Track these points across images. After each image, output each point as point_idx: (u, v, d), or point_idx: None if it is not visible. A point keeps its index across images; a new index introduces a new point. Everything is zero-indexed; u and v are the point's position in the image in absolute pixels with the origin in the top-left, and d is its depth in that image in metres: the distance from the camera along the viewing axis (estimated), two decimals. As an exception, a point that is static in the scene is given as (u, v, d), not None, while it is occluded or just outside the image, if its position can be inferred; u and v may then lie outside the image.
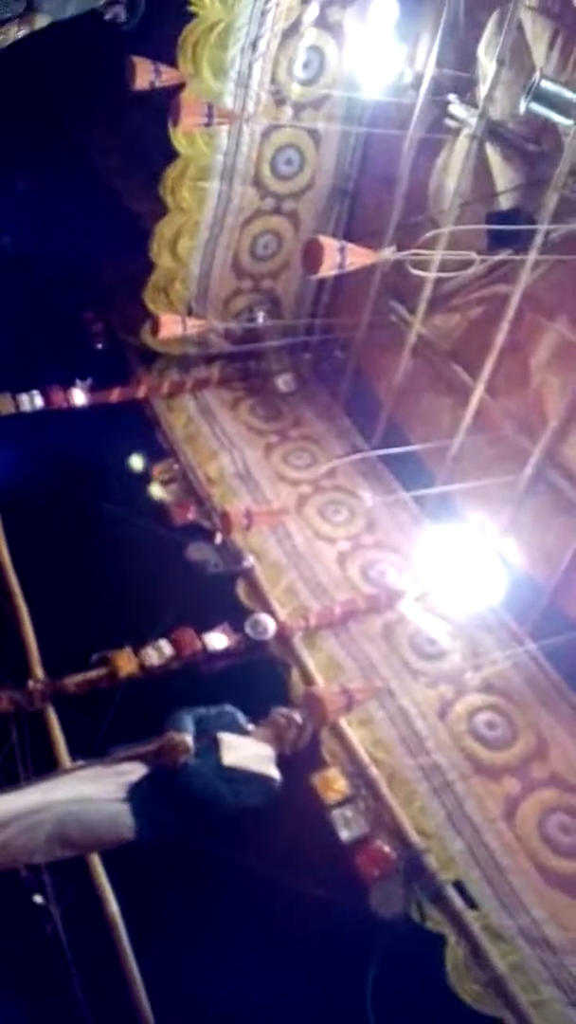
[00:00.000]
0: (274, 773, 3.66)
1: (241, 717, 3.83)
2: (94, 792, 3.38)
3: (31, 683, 4.35)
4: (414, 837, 3.90)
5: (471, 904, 3.71)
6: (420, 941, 3.61)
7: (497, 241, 4.76)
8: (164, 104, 5.11)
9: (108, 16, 5.28)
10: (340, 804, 4.05)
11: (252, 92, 5.35)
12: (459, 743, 4.31)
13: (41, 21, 5.01)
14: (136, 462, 5.88)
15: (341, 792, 4.09)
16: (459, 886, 3.76)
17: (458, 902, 3.71)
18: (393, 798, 4.05)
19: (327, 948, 3.69)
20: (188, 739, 3.51)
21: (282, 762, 3.75)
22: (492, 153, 4.98)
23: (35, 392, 5.81)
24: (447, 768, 4.19)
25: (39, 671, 4.42)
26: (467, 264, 4.60)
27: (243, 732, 3.77)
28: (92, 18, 5.60)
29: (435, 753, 4.25)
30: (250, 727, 3.81)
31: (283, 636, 4.69)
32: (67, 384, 5.90)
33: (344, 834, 3.95)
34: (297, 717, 3.89)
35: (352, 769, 4.17)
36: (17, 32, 4.95)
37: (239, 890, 3.91)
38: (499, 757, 4.27)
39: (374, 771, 4.14)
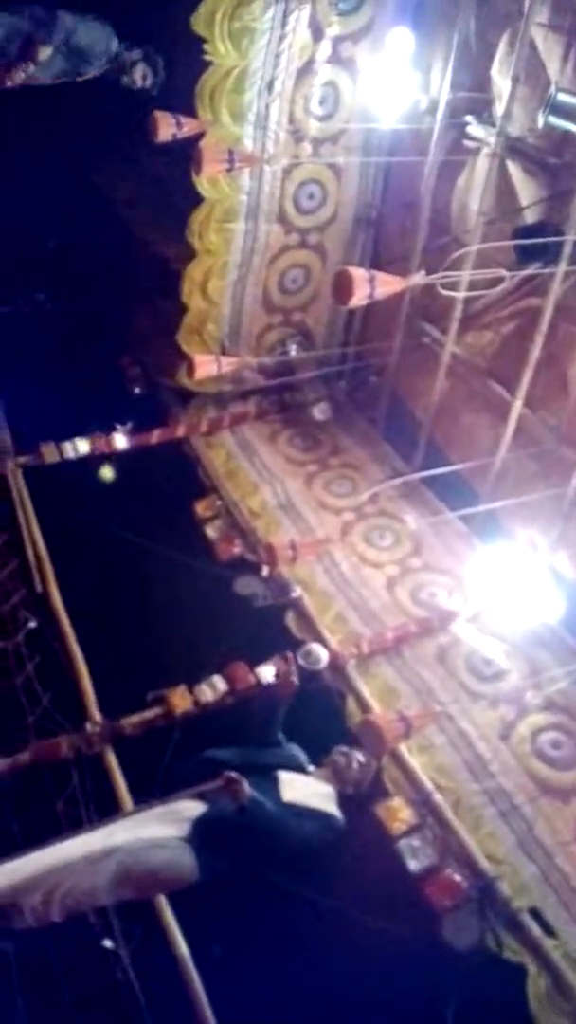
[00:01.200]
0: (335, 812, 3.60)
1: (302, 756, 3.78)
2: (155, 833, 3.36)
3: (89, 726, 4.37)
4: (484, 864, 3.80)
5: (549, 931, 3.58)
6: (499, 972, 3.49)
7: (525, 256, 4.75)
8: (186, 151, 5.26)
9: (127, 81, 5.46)
10: (406, 834, 3.97)
11: (271, 132, 5.47)
12: (524, 764, 4.20)
13: (44, 52, 5.18)
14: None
15: (406, 822, 4.01)
16: (535, 913, 3.64)
17: (536, 930, 3.58)
18: (460, 825, 3.96)
19: (403, 983, 3.59)
20: (245, 784, 3.47)
21: (345, 799, 3.70)
22: (514, 169, 4.99)
23: (78, 439, 5.93)
24: (513, 791, 4.09)
25: (96, 714, 4.45)
26: (497, 281, 4.61)
27: (303, 771, 3.72)
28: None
29: (500, 776, 4.15)
30: (310, 768, 3.76)
31: (336, 665, 4.65)
32: (108, 429, 6.00)
33: (413, 864, 3.86)
34: (359, 755, 3.81)
35: (416, 797, 4.09)
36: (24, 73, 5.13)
37: (309, 927, 3.84)
38: (566, 777, 4.15)
39: (438, 798, 4.05)
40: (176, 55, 5.60)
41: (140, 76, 5.52)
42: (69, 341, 6.82)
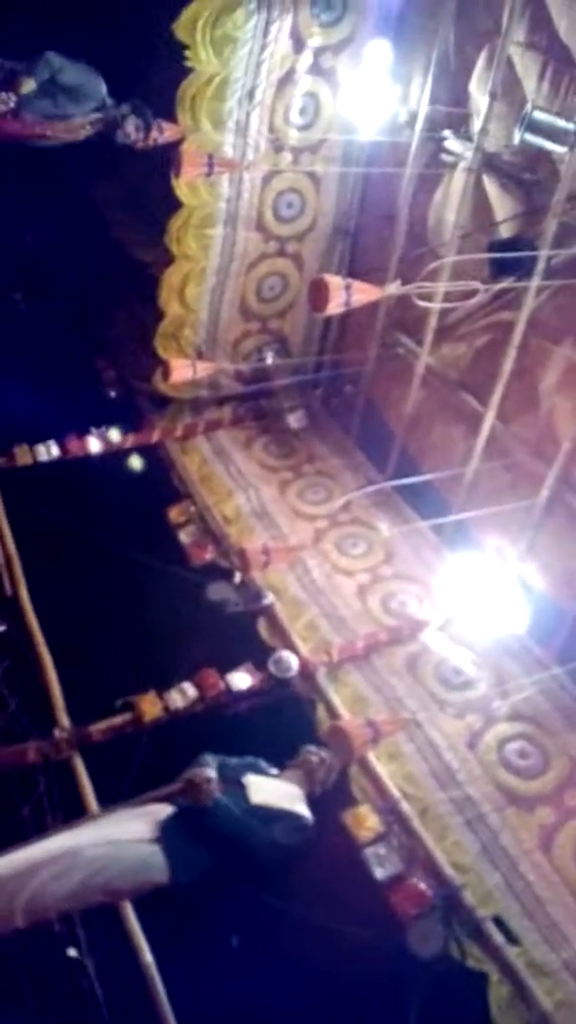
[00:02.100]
0: (305, 812, 3.60)
1: (264, 764, 3.77)
2: (123, 834, 3.33)
3: (57, 732, 4.33)
4: (450, 872, 3.83)
5: (512, 939, 3.62)
6: (462, 980, 3.52)
7: (500, 269, 4.81)
8: (165, 156, 5.25)
9: (121, 136, 5.49)
10: (373, 842, 3.99)
11: (251, 140, 5.49)
12: (490, 774, 4.24)
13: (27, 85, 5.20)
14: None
15: (373, 829, 4.03)
16: (499, 921, 3.67)
17: (498, 938, 3.61)
18: (426, 833, 3.98)
19: (367, 989, 3.61)
20: (211, 773, 3.47)
21: (312, 801, 3.70)
22: (489, 184, 5.05)
23: (51, 442, 5.89)
24: (480, 800, 4.13)
25: (64, 719, 4.42)
26: (471, 294, 4.66)
27: (268, 775, 3.72)
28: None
29: (467, 785, 4.18)
30: (273, 771, 3.75)
31: (307, 672, 4.67)
32: (82, 432, 5.97)
33: (378, 872, 3.88)
34: (325, 754, 3.83)
35: (383, 805, 4.11)
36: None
37: (275, 933, 3.84)
38: (532, 786, 4.20)
39: (405, 806, 4.08)
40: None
41: (133, 129, 5.56)
42: (44, 342, 6.77)
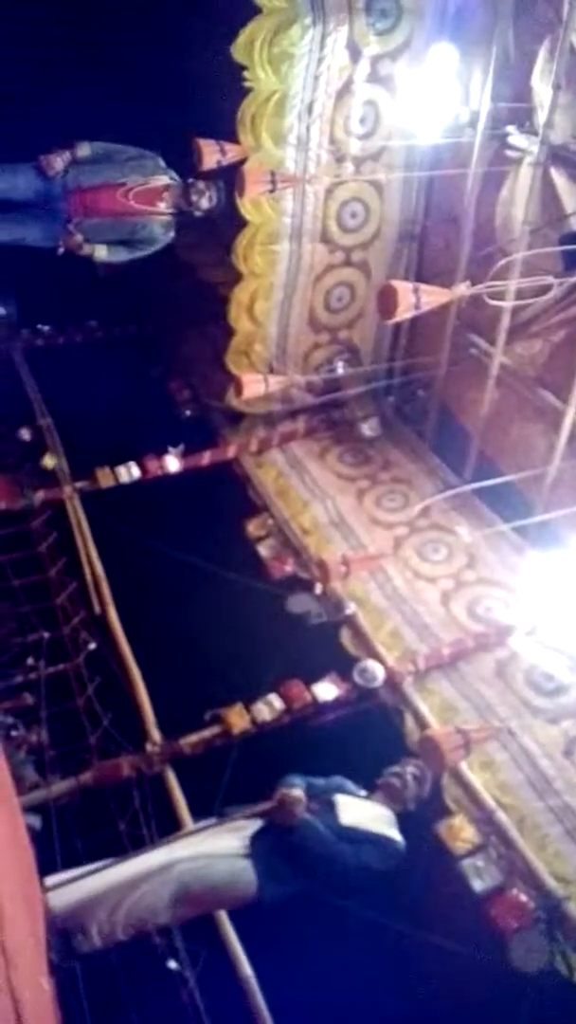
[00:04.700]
0: (396, 836, 3.55)
1: (351, 785, 3.74)
2: (215, 849, 3.37)
3: (149, 746, 4.41)
4: (552, 884, 3.71)
5: (621, 954, 3.48)
6: (570, 995, 3.39)
7: (573, 261, 4.70)
8: (228, 176, 5.34)
9: (200, 212, 5.75)
10: (470, 854, 3.90)
11: (312, 154, 5.52)
12: (590, 782, 4.10)
13: (83, 149, 5.63)
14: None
15: (470, 841, 3.94)
16: (606, 934, 3.54)
17: (607, 952, 3.49)
18: (525, 844, 3.87)
19: (470, 1006, 3.52)
20: (299, 792, 3.46)
21: (406, 816, 3.64)
22: (557, 176, 4.94)
23: (131, 463, 6.03)
24: (580, 809, 3.99)
25: (156, 733, 4.49)
26: (545, 289, 4.56)
27: (357, 796, 3.69)
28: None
29: (565, 794, 4.05)
30: (362, 792, 3.72)
31: (393, 682, 4.62)
32: (160, 452, 6.10)
33: (477, 885, 3.79)
34: (412, 768, 3.76)
35: (479, 816, 4.02)
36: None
37: (374, 949, 3.79)
38: None
39: (502, 816, 3.97)
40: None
41: (206, 201, 5.83)
42: (121, 367, 6.95)
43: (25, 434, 6.17)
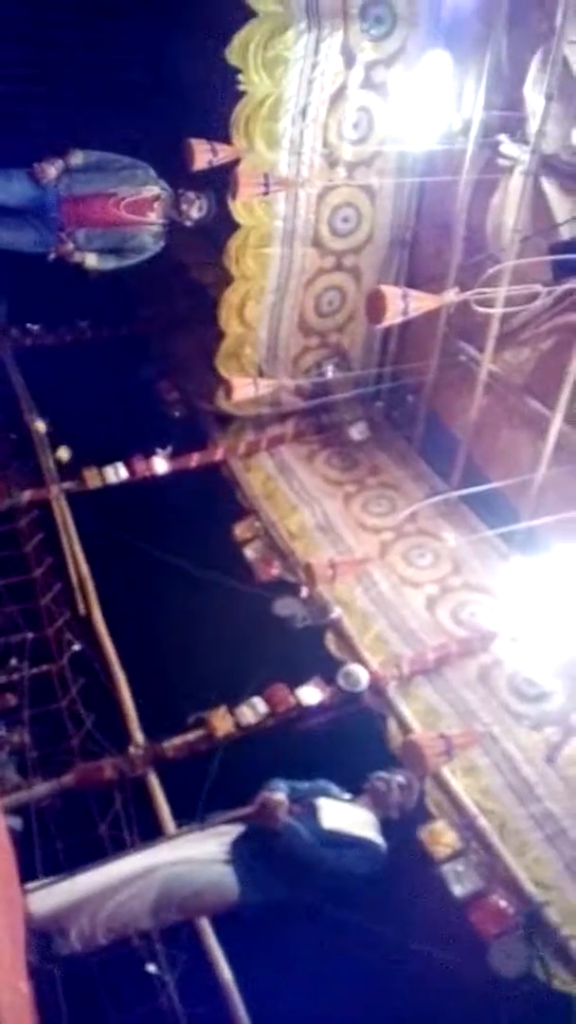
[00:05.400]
0: (377, 839, 3.56)
1: (336, 789, 3.74)
2: (197, 853, 3.36)
3: (132, 748, 4.40)
4: (532, 889, 3.73)
5: (600, 961, 3.49)
6: (547, 1002, 3.41)
7: (562, 271, 4.71)
8: (220, 178, 5.34)
9: (190, 222, 5.81)
10: (450, 858, 3.92)
11: (305, 158, 5.53)
12: (571, 788, 4.12)
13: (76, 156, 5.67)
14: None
15: (450, 846, 3.96)
16: (585, 941, 3.55)
17: (585, 959, 3.50)
18: (506, 849, 3.89)
19: (448, 1011, 3.52)
20: (282, 796, 3.46)
21: (389, 824, 3.65)
22: (548, 186, 4.97)
23: (119, 464, 6.01)
24: (561, 815, 4.01)
25: (139, 736, 4.48)
26: (533, 297, 4.58)
27: (341, 800, 3.69)
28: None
29: (546, 800, 4.07)
30: (346, 796, 3.72)
31: (377, 686, 4.63)
32: (148, 453, 6.08)
33: (457, 890, 3.81)
34: (399, 777, 3.77)
35: (460, 821, 4.03)
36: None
37: (353, 953, 3.79)
38: (616, 800, 4.06)
39: (483, 822, 3.99)
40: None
41: (196, 211, 5.85)
42: (110, 368, 6.93)
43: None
